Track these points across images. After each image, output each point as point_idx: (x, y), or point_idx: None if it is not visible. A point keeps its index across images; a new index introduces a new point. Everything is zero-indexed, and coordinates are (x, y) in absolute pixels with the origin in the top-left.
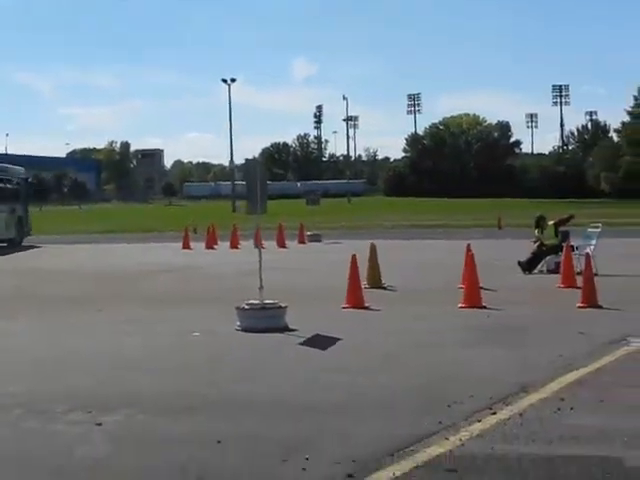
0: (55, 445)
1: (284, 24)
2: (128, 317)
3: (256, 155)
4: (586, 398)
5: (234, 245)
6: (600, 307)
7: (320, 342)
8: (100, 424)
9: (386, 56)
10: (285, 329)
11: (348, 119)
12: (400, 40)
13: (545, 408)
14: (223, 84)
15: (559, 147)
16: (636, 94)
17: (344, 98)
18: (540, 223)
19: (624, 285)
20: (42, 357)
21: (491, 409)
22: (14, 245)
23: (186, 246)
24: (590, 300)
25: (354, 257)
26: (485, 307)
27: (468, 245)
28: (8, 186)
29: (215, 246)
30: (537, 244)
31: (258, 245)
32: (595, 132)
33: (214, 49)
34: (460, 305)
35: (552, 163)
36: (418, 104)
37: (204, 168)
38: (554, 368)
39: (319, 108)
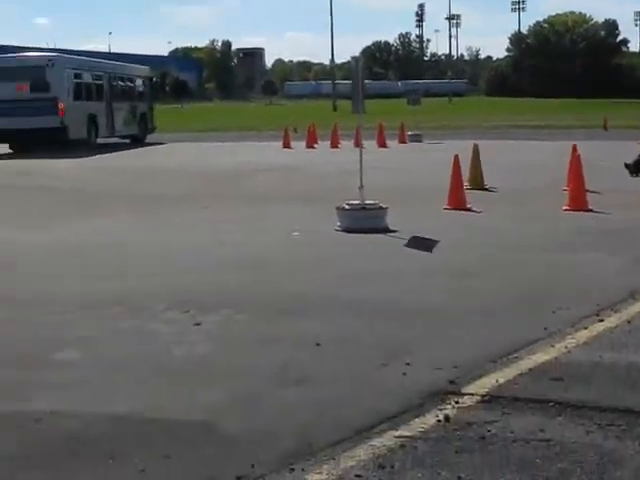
0: (155, 344)
1: None
2: (230, 215)
3: (356, 54)
4: None
5: (334, 144)
6: None
7: (420, 243)
8: (199, 324)
9: None
10: (385, 230)
11: (450, 18)
12: None
13: None
14: None
15: None
16: None
17: None
18: None
19: None
20: (143, 254)
21: (598, 315)
22: (136, 141)
23: (286, 145)
24: None
25: (456, 157)
26: (591, 210)
27: (574, 146)
28: (129, 84)
29: (315, 145)
30: None
31: (359, 144)
32: None
33: None
34: (565, 207)
35: None
36: (522, 2)
37: (305, 67)
38: None
39: (421, 6)
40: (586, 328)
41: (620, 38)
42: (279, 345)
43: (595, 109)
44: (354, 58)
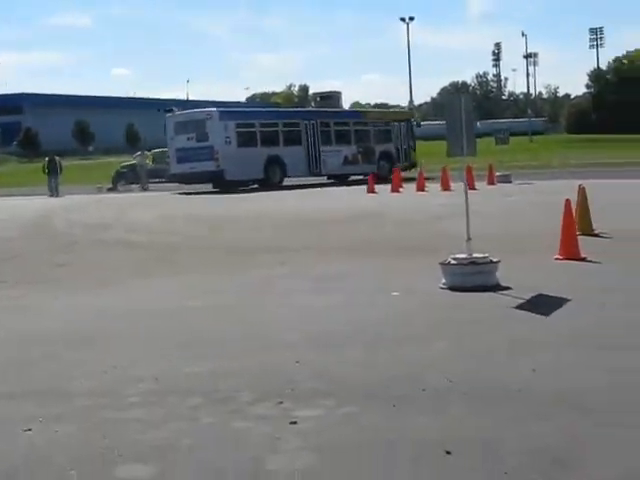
0: (243, 450)
1: None
2: (320, 271)
3: (434, 95)
4: None
5: (420, 188)
6: None
7: (545, 305)
8: (295, 422)
9: None
10: (497, 287)
11: (527, 56)
12: None
13: None
14: (398, 23)
15: None
16: None
17: (523, 34)
18: None
19: None
20: (222, 325)
21: None
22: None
23: (371, 189)
24: None
25: (568, 202)
26: None
27: None
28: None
29: (401, 189)
30: None
31: (465, 188)
32: None
33: None
34: None
35: None
36: (601, 38)
37: (382, 109)
38: None
39: (497, 45)
40: None
41: None
42: (397, 451)
43: None
44: (454, 95)
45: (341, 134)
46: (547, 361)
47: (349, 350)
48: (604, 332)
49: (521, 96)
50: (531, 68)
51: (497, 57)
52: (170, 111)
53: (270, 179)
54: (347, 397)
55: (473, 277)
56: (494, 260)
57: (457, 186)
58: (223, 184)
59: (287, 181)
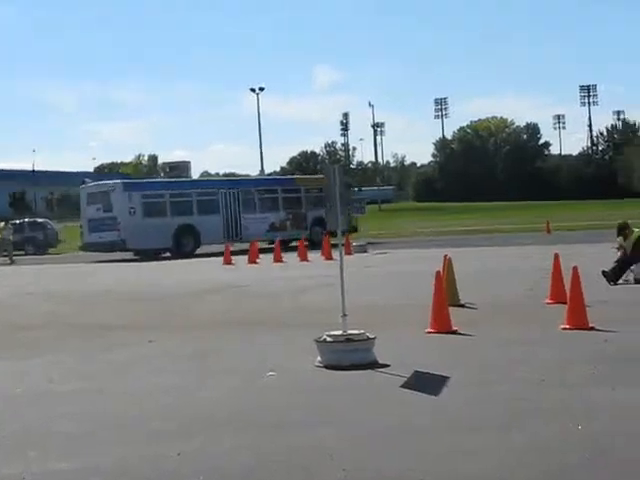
0: None
1: (305, 31)
2: (182, 350)
3: (283, 165)
4: None
5: (278, 259)
6: None
7: (426, 383)
8: None
9: (411, 61)
10: (375, 364)
11: (375, 125)
12: (424, 44)
13: None
14: (245, 93)
15: (588, 148)
16: None
17: (370, 105)
18: (623, 230)
19: None
20: (99, 417)
21: None
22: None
23: (227, 261)
24: None
25: (439, 274)
26: (593, 328)
27: (556, 255)
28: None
29: (258, 260)
30: (621, 252)
31: (342, 262)
32: (625, 131)
33: (235, 59)
34: (563, 326)
35: (581, 164)
36: (445, 108)
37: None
38: None
39: (345, 115)
40: None
41: (541, 142)
42: None
43: (525, 211)
44: (328, 165)
45: (267, 201)
46: (433, 446)
47: (231, 437)
48: (484, 414)
49: (369, 165)
50: (378, 137)
51: (345, 127)
52: (84, 183)
53: (181, 248)
54: None
55: (350, 355)
56: (370, 336)
57: (313, 257)
58: (138, 253)
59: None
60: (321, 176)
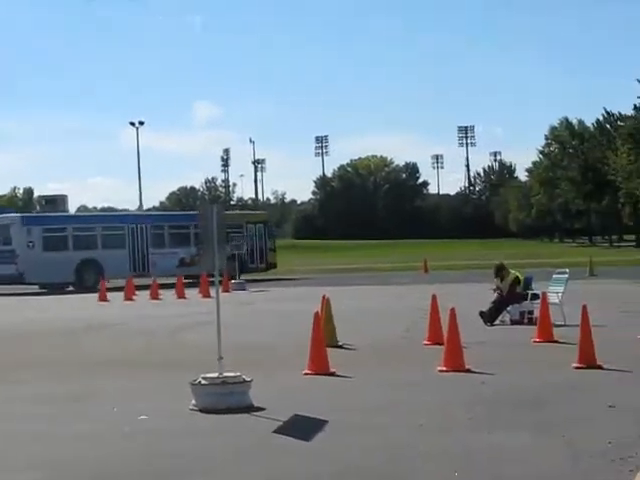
0: None
1: (184, 67)
2: (45, 394)
3: (162, 200)
4: None
5: (154, 296)
6: (600, 367)
7: (303, 428)
8: None
9: (292, 98)
10: (251, 408)
11: (255, 162)
12: (304, 82)
13: None
14: (124, 127)
15: (466, 187)
16: (547, 134)
17: (251, 141)
18: (500, 272)
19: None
20: None
21: None
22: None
23: (102, 298)
24: (589, 360)
25: (317, 315)
26: (469, 370)
27: (434, 296)
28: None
29: (134, 297)
30: (498, 293)
31: (218, 299)
32: (501, 172)
33: (114, 92)
34: (440, 368)
35: (460, 203)
36: (326, 146)
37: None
38: (614, 463)
39: (226, 151)
40: None
41: (420, 180)
42: None
43: (406, 250)
44: (206, 204)
45: (177, 236)
46: None
47: None
48: (366, 463)
49: (249, 201)
50: (259, 174)
51: (226, 163)
52: None
53: (84, 281)
54: None
55: (225, 398)
56: (247, 379)
57: (190, 294)
58: (44, 286)
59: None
60: (240, 212)
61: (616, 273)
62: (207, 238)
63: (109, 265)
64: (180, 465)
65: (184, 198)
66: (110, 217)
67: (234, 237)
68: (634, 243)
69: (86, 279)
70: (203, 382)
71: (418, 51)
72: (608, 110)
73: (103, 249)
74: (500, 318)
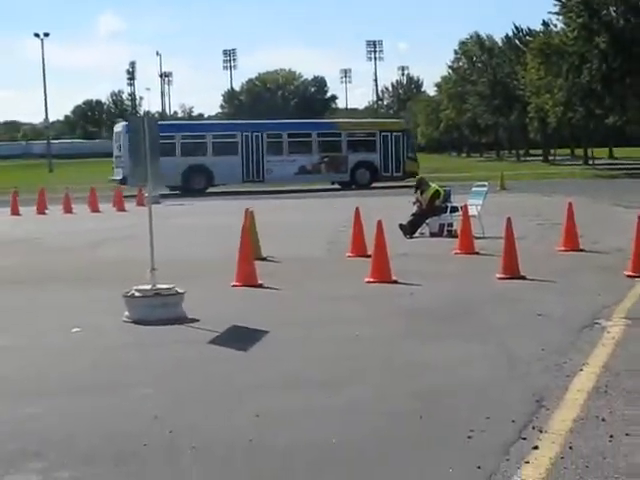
0: None
1: None
2: None
3: (68, 113)
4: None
5: (67, 210)
6: (524, 278)
7: (239, 339)
8: None
9: (200, 10)
10: (184, 320)
11: (162, 75)
12: None
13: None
14: (29, 39)
15: (374, 102)
16: (456, 48)
17: (157, 54)
18: (420, 186)
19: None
20: None
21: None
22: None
23: (15, 211)
24: (512, 271)
25: (244, 228)
26: (396, 281)
27: (357, 209)
28: None
29: (47, 211)
30: (417, 206)
31: (150, 213)
32: (409, 87)
33: (18, 3)
34: (368, 279)
35: (368, 118)
36: (234, 59)
37: (12, 127)
38: (549, 369)
39: (132, 64)
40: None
41: (329, 95)
42: None
43: None
44: (136, 116)
45: (297, 144)
46: (268, 407)
47: (38, 404)
48: (306, 374)
49: (157, 115)
50: (166, 87)
51: (132, 76)
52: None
53: (191, 185)
54: (61, 460)
55: (159, 310)
56: (180, 291)
57: (104, 207)
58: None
59: None
60: (374, 121)
61: (526, 186)
62: (137, 151)
63: (219, 171)
64: (128, 376)
65: (90, 111)
66: (222, 125)
67: (365, 145)
68: (541, 158)
69: (194, 183)
70: (136, 294)
71: None
72: (517, 25)
73: (213, 156)
74: (420, 230)
